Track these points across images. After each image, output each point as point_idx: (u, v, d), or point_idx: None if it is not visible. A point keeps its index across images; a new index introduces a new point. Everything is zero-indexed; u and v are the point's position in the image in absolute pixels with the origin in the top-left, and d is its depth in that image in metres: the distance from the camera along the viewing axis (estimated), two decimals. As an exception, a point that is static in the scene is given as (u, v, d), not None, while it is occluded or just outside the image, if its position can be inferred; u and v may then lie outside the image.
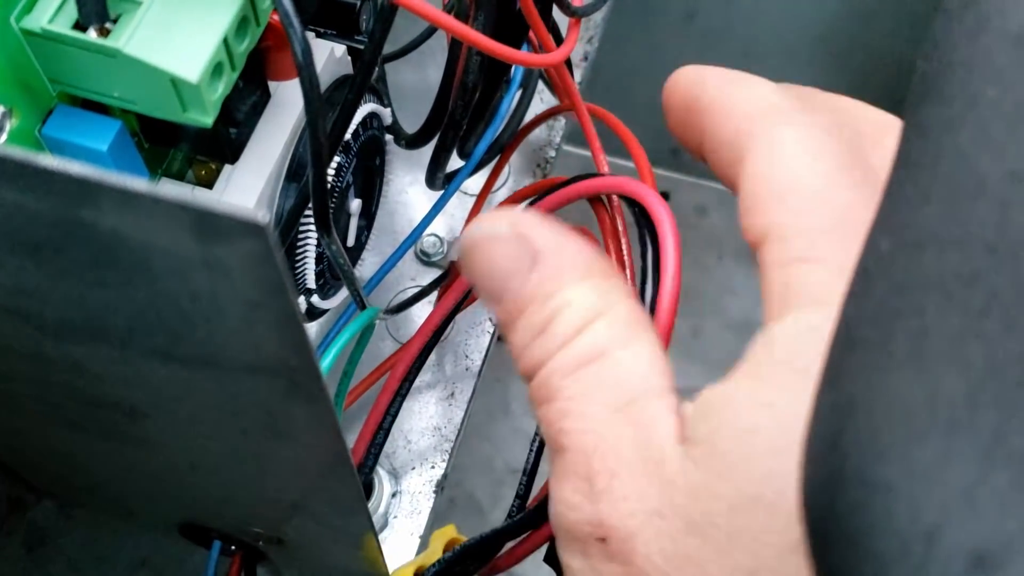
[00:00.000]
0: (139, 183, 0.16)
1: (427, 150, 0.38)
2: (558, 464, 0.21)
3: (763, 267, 0.21)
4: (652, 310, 0.25)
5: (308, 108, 0.23)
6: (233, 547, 0.34)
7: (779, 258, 0.21)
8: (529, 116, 0.45)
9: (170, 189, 0.16)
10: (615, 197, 0.31)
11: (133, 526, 0.40)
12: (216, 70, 0.25)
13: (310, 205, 0.30)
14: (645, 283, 0.26)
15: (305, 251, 0.32)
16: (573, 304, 0.22)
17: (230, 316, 0.19)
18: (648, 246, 0.27)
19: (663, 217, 0.26)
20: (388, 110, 0.36)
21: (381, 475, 0.40)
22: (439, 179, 0.40)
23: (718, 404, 0.20)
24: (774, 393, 0.19)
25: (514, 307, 0.22)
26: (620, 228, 0.31)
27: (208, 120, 0.25)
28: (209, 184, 0.30)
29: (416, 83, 0.49)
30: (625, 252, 0.31)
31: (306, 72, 0.22)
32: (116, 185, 0.16)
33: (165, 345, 0.21)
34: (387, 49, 0.44)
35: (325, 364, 0.30)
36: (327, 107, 0.31)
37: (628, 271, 0.31)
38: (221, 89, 0.26)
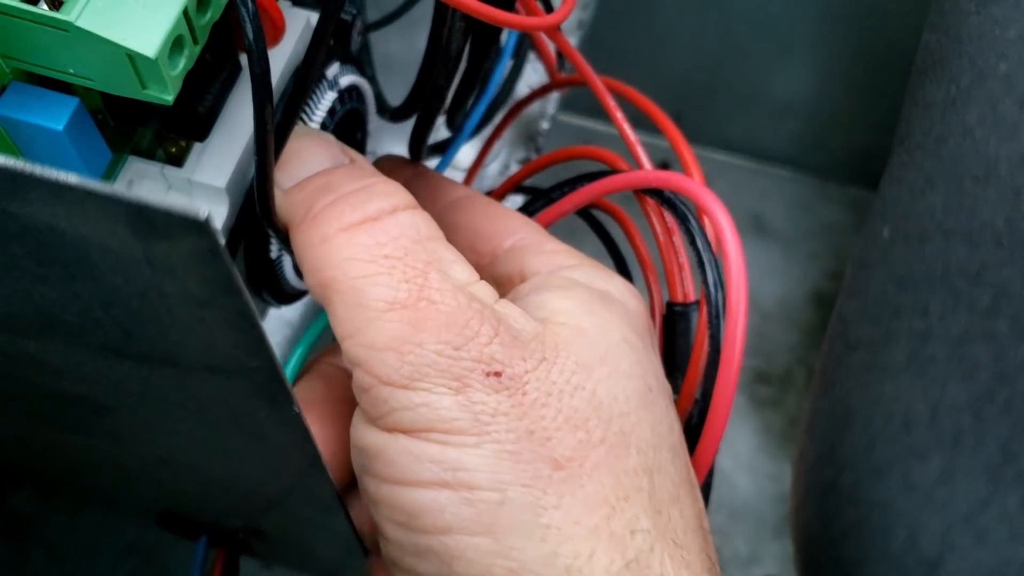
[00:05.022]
0: (69, 176, 0.15)
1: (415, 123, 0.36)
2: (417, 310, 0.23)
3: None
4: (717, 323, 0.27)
5: (255, 93, 0.22)
6: (217, 538, 0.33)
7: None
8: (522, 87, 0.43)
9: (102, 184, 0.14)
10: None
11: (116, 513, 0.39)
12: (176, 44, 0.23)
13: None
14: (709, 286, 0.28)
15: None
16: (388, 187, 0.25)
17: (180, 315, 0.17)
18: (701, 250, 0.29)
19: (726, 227, 0.26)
20: (368, 82, 0.34)
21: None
22: (423, 152, 0.38)
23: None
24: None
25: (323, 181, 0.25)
26: (674, 229, 0.31)
27: (169, 97, 0.24)
28: (179, 162, 0.29)
29: (404, 52, 0.47)
30: (680, 255, 0.31)
31: (256, 52, 0.21)
32: (44, 178, 0.15)
33: (117, 342, 0.19)
34: (372, 16, 0.42)
35: (299, 353, 0.28)
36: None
37: (682, 278, 0.30)
38: (182, 64, 0.24)
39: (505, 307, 0.24)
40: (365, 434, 0.23)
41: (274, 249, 0.31)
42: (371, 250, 0.23)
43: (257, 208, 0.25)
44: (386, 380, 0.22)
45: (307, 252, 0.24)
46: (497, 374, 0.22)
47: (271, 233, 0.27)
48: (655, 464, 0.24)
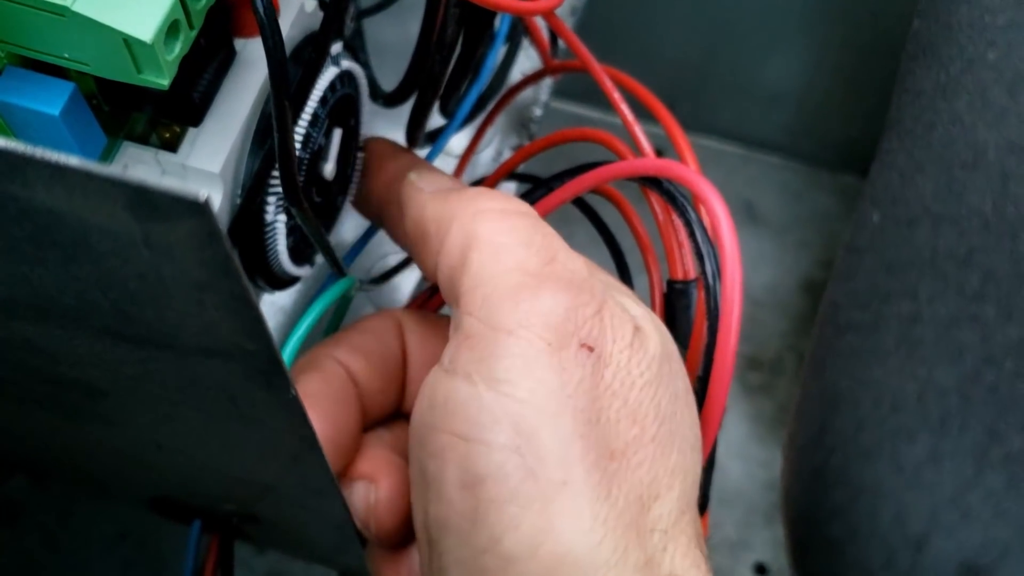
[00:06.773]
0: (71, 158, 0.15)
1: (410, 108, 0.36)
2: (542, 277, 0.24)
3: None
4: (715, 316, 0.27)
5: (272, 70, 0.22)
6: (210, 523, 0.33)
7: None
8: (515, 73, 0.43)
9: (102, 166, 0.14)
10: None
11: (110, 499, 0.39)
12: (172, 28, 0.24)
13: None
14: (707, 277, 0.28)
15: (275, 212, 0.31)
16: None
17: (178, 297, 0.18)
18: (697, 236, 0.29)
19: (720, 215, 0.26)
20: (362, 68, 0.34)
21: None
22: (420, 138, 0.38)
23: None
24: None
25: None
26: (675, 218, 0.31)
27: (165, 82, 0.24)
28: (173, 147, 0.29)
29: (397, 38, 0.47)
30: (680, 233, 0.31)
31: (268, 30, 0.21)
32: (45, 160, 0.15)
33: (115, 325, 0.20)
34: (366, 2, 0.42)
35: (296, 337, 0.28)
36: (295, 67, 0.30)
37: (682, 256, 0.31)
38: (178, 49, 0.24)
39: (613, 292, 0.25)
40: (451, 386, 0.23)
41: (267, 233, 0.31)
42: (517, 227, 0.25)
43: (282, 185, 0.26)
44: (494, 326, 0.23)
45: (456, 219, 0.26)
46: (590, 348, 0.23)
47: (293, 209, 0.27)
48: (691, 465, 0.24)
